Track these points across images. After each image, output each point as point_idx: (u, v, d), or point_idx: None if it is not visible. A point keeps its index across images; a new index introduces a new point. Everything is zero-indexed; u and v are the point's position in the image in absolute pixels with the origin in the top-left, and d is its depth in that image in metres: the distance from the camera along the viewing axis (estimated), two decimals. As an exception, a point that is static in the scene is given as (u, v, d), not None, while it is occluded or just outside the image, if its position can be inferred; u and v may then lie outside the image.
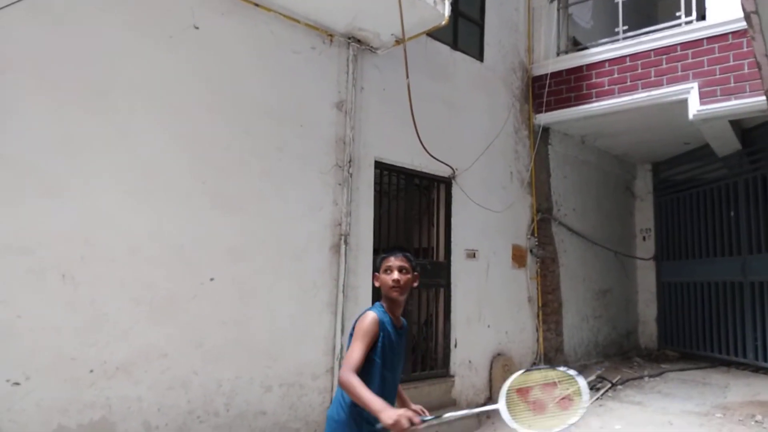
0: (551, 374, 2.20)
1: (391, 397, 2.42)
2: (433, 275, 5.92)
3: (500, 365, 6.35)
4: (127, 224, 3.66)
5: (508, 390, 2.21)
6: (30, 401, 3.18)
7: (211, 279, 4.03)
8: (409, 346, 5.60)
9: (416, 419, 2.03)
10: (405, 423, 1.99)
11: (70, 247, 3.40)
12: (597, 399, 6.56)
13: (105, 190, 3.58)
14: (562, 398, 2.08)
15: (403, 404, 2.63)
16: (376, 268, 2.54)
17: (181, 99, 3.99)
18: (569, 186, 8.14)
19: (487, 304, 6.42)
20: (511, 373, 6.51)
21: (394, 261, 2.44)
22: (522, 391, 2.16)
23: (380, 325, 2.36)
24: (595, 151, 8.77)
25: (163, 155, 3.87)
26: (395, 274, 2.40)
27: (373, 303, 5.09)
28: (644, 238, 9.94)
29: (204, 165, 4.07)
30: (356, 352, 2.25)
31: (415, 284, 2.51)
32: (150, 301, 3.71)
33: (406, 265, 2.45)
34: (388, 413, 2.02)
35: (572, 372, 2.16)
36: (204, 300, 3.98)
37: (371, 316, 2.35)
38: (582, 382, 2.09)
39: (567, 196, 8.06)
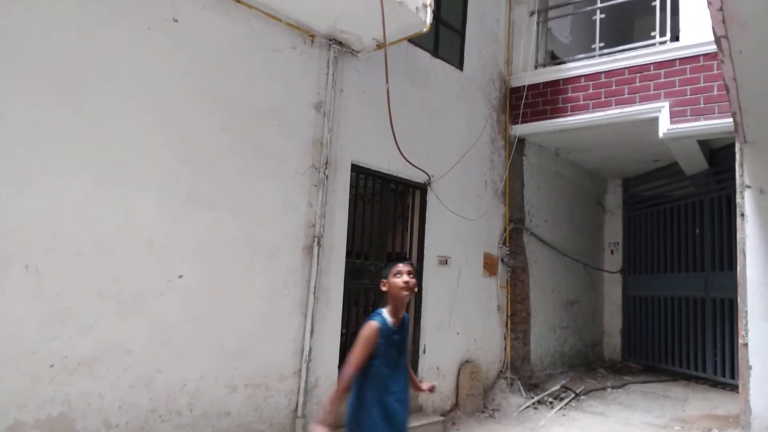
0: None
1: (397, 384, 2.80)
2: (404, 280, 5.92)
3: (468, 372, 6.39)
4: (95, 217, 3.58)
5: None
6: (-15, 395, 3.08)
7: (180, 276, 3.97)
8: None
9: None
10: None
11: (35, 238, 3.32)
12: (561, 408, 6.65)
13: (73, 181, 3.49)
14: None
15: (413, 383, 3.03)
16: (383, 276, 2.88)
17: (156, 92, 3.93)
18: (542, 197, 8.26)
19: (457, 310, 6.46)
20: (478, 380, 6.54)
21: (403, 267, 2.84)
22: None
23: (380, 332, 2.72)
24: (568, 164, 8.91)
25: (136, 149, 3.80)
26: (405, 277, 2.80)
27: (343, 306, 5.10)
28: (612, 252, 10.13)
29: (177, 160, 4.02)
30: (356, 357, 2.68)
31: (416, 289, 2.90)
32: (116, 296, 3.64)
33: (413, 270, 2.87)
34: (316, 426, 2.54)
35: None
36: (172, 297, 3.91)
37: (373, 326, 2.72)
38: None
39: (539, 207, 8.17)
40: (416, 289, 2.87)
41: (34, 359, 3.27)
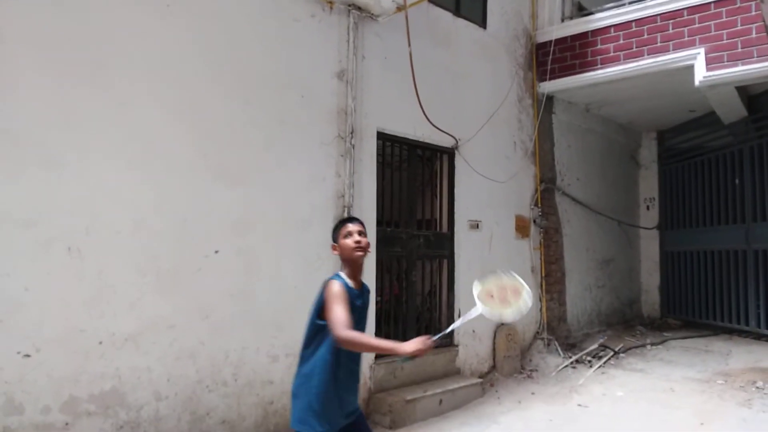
0: (505, 280, 2.74)
1: (352, 360, 2.56)
2: (436, 246, 5.93)
3: (503, 335, 6.40)
4: (131, 197, 3.66)
5: (479, 294, 2.65)
6: (41, 372, 3.23)
7: (216, 251, 4.04)
8: (411, 316, 5.65)
9: (428, 341, 2.28)
10: (423, 346, 2.25)
11: (75, 220, 3.41)
12: (599, 367, 6.63)
13: (107, 164, 3.57)
14: (514, 290, 2.66)
15: None
16: (333, 239, 2.66)
17: (180, 70, 3.95)
18: (573, 155, 8.09)
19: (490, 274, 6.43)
20: (515, 342, 6.52)
21: (353, 227, 2.63)
22: (489, 293, 2.66)
23: (348, 292, 2.50)
24: (599, 120, 8.68)
25: (164, 128, 3.85)
26: (356, 236, 2.58)
27: (376, 274, 5.13)
28: (648, 207, 9.91)
29: (205, 137, 4.05)
30: (342, 312, 2.36)
31: (369, 249, 2.69)
32: (156, 273, 3.73)
33: (363, 229, 2.65)
34: (405, 347, 2.27)
35: (518, 277, 2.74)
36: (209, 272, 4.00)
37: (338, 284, 2.47)
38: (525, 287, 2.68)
39: (571, 165, 8.02)
40: (369, 250, 2.65)
41: (83, 337, 3.40)
